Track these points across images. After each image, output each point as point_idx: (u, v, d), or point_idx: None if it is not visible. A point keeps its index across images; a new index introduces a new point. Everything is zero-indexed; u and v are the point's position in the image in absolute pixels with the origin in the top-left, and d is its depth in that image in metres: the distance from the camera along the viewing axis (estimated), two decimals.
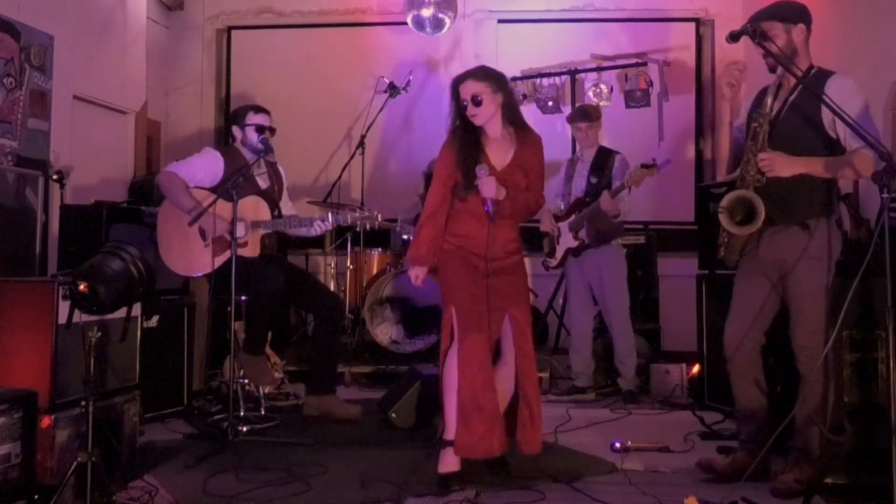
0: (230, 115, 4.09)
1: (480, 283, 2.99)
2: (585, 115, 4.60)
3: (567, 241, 4.57)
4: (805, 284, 2.82)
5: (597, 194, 4.40)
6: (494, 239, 3.02)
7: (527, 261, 3.33)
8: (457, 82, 3.06)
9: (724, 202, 2.84)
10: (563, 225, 4.59)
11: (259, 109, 4.01)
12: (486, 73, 3.07)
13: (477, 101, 2.99)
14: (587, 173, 4.57)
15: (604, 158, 4.56)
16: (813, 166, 2.80)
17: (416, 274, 3.09)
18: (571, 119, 4.72)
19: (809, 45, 2.91)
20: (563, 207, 4.66)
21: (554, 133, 6.13)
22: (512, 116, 3.07)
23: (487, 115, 3.02)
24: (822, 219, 2.84)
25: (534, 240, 5.27)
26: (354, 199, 5.92)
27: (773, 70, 2.89)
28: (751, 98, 3.10)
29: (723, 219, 2.85)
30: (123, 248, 2.95)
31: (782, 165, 2.78)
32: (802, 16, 2.88)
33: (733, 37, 2.77)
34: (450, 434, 2.98)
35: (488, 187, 2.94)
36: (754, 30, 2.75)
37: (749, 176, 2.84)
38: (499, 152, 3.07)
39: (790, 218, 2.84)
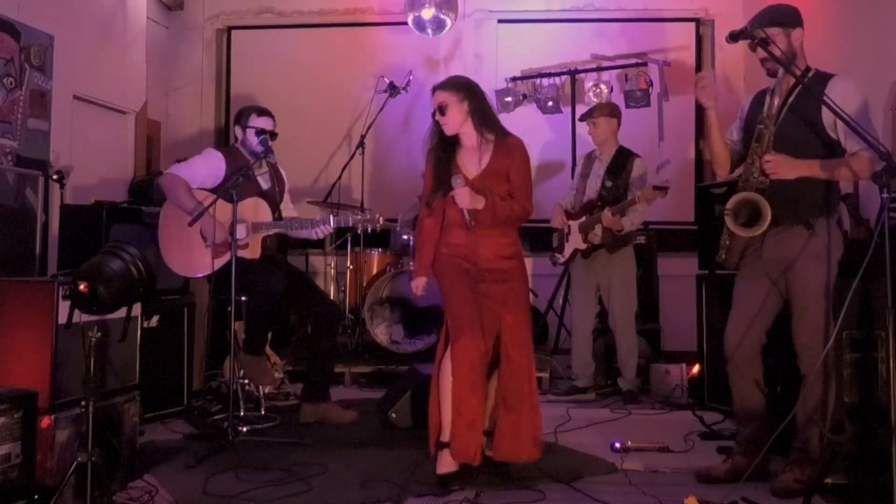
0: (236, 114, 4.08)
1: (472, 288, 3.01)
2: (588, 112, 4.64)
3: (576, 241, 4.55)
4: (807, 283, 2.83)
5: (611, 199, 4.40)
6: (481, 245, 3.04)
7: (528, 261, 3.32)
8: (431, 92, 3.13)
9: (730, 204, 2.84)
10: (574, 224, 4.57)
11: (263, 112, 3.99)
12: (453, 84, 3.12)
13: (442, 110, 3.04)
14: (603, 174, 4.53)
15: (622, 161, 4.51)
16: (813, 169, 2.82)
17: (417, 284, 3.22)
18: (580, 117, 4.76)
19: (804, 47, 2.93)
20: (573, 204, 4.65)
21: (554, 133, 6.13)
22: (484, 122, 3.08)
23: (455, 124, 3.06)
24: (822, 217, 2.85)
25: (536, 240, 5.28)
26: (354, 199, 5.92)
27: (771, 74, 2.91)
28: (748, 100, 3.11)
29: (728, 220, 2.85)
30: (123, 248, 2.95)
31: (787, 168, 2.79)
32: (799, 19, 2.91)
33: (733, 37, 2.78)
34: (445, 436, 3.00)
35: (461, 198, 2.98)
36: (755, 37, 2.76)
37: (753, 178, 2.84)
38: (472, 160, 3.09)
39: (794, 218, 2.85)
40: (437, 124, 3.10)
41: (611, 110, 4.63)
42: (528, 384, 3.05)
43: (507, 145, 3.09)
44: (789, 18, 2.89)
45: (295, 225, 3.89)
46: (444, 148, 3.12)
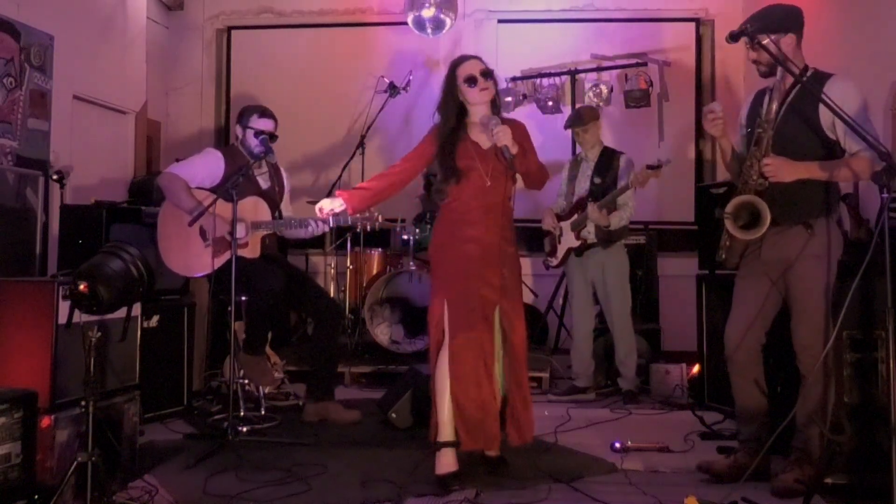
0: (238, 112, 4.08)
1: (474, 274, 3.00)
2: (579, 120, 4.59)
3: (569, 240, 4.57)
4: (807, 283, 2.83)
5: (601, 195, 4.41)
6: (495, 223, 3.04)
7: (527, 261, 3.33)
8: (457, 62, 3.10)
9: (729, 207, 2.84)
10: (566, 224, 4.59)
11: (265, 113, 3.98)
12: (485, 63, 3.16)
13: (486, 76, 3.04)
14: (591, 173, 4.56)
15: (609, 159, 4.54)
16: (812, 170, 2.81)
17: (327, 204, 3.14)
18: (568, 125, 4.72)
19: (802, 48, 2.92)
20: (565, 206, 4.66)
21: (554, 133, 6.12)
22: (496, 108, 3.14)
23: (491, 94, 3.07)
24: (822, 218, 2.85)
25: (534, 240, 5.27)
26: None
27: (763, 76, 2.91)
28: (748, 101, 3.11)
29: (728, 224, 2.85)
30: (123, 248, 2.95)
31: (786, 172, 2.79)
32: (794, 23, 2.88)
33: (733, 37, 2.78)
34: (444, 435, 3.00)
35: (505, 134, 2.94)
36: (750, 37, 2.76)
37: (752, 180, 2.84)
38: (482, 136, 3.10)
39: (794, 218, 2.85)
40: (456, 100, 3.07)
41: (596, 114, 4.66)
42: (526, 365, 3.13)
43: (510, 125, 3.10)
44: (781, 24, 2.85)
45: (294, 223, 3.89)
46: (457, 128, 3.10)
